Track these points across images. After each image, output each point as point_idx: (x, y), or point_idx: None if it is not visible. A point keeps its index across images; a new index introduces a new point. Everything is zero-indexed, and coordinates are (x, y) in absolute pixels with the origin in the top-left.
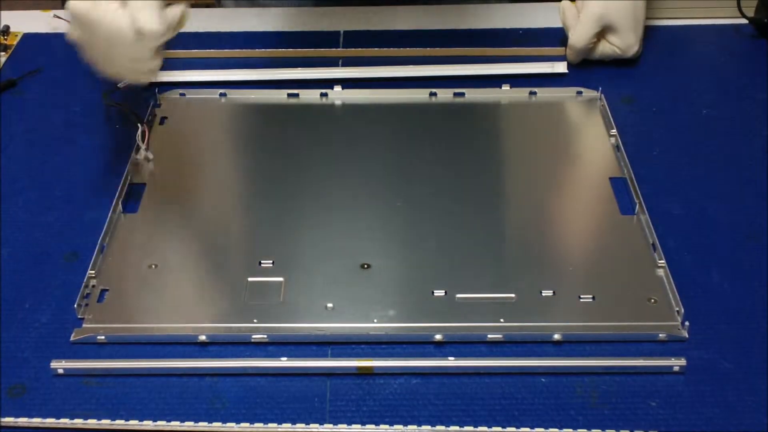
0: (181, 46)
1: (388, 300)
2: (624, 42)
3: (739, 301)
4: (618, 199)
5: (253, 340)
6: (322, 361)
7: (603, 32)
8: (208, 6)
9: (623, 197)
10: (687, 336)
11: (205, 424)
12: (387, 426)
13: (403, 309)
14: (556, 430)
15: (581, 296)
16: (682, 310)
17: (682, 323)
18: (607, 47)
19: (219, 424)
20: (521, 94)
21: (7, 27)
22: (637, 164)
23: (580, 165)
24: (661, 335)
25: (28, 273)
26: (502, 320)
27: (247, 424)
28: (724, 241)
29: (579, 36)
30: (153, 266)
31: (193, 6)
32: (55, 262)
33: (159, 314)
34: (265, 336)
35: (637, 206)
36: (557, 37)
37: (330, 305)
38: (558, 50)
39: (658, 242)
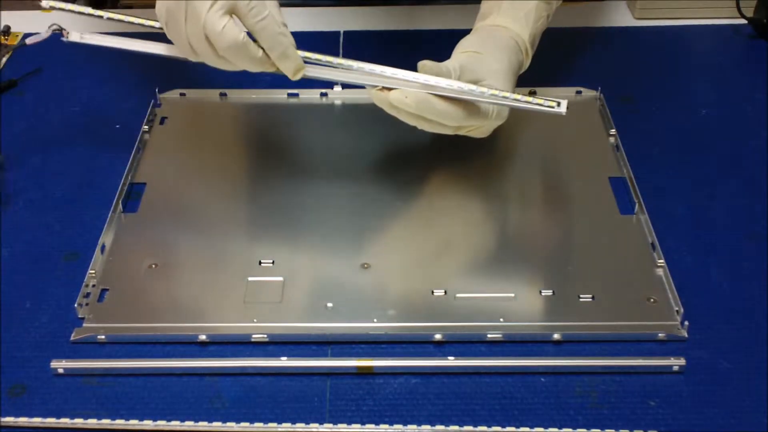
0: None
1: (388, 300)
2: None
3: (738, 301)
4: (617, 199)
5: (252, 340)
6: (321, 360)
7: None
8: None
9: (623, 197)
10: (686, 336)
11: (205, 423)
12: (387, 425)
13: (403, 309)
14: (556, 429)
15: (581, 296)
16: (682, 310)
17: (682, 323)
18: None
19: (219, 423)
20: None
21: (8, 27)
22: (637, 164)
23: (580, 164)
24: (661, 335)
25: (28, 273)
26: (501, 320)
27: (247, 424)
28: (724, 241)
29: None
30: (153, 266)
31: None
32: (55, 262)
33: (159, 314)
34: (265, 335)
35: (637, 206)
36: (557, 37)
37: (330, 305)
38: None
39: (657, 242)
